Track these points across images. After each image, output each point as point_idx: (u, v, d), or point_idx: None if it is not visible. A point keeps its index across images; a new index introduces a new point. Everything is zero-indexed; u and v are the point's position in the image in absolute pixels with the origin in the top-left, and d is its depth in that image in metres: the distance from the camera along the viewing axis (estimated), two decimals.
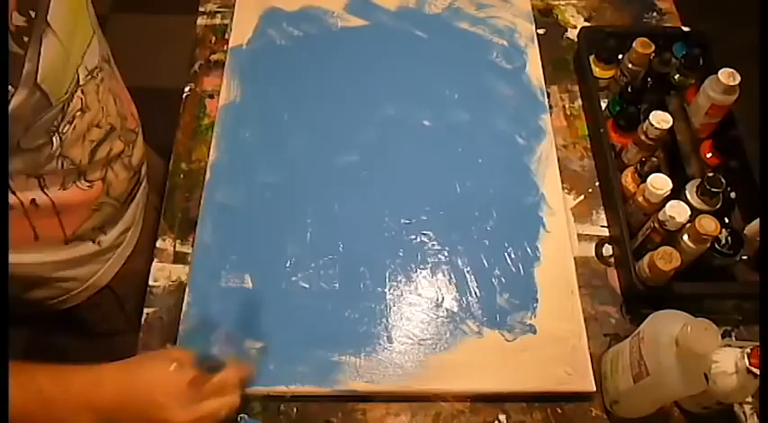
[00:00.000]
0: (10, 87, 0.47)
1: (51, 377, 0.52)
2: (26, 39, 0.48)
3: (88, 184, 0.63)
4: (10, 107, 0.47)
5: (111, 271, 0.73)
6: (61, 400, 0.51)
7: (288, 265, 0.72)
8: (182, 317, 0.68)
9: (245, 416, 0.65)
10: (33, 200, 0.57)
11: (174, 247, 0.76)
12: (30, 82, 0.49)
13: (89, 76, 0.59)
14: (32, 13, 0.48)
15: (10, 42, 0.46)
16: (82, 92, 0.58)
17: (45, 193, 0.58)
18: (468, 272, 0.73)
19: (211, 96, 0.87)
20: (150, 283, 0.73)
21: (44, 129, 0.54)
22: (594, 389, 0.66)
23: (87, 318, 0.75)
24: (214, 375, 0.56)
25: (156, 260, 0.75)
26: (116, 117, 0.66)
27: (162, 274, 0.74)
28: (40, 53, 0.49)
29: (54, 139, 0.56)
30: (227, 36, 0.91)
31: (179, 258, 0.75)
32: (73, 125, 0.58)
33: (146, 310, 0.71)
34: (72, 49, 0.55)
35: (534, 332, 0.69)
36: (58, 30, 0.51)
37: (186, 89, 0.88)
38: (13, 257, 0.58)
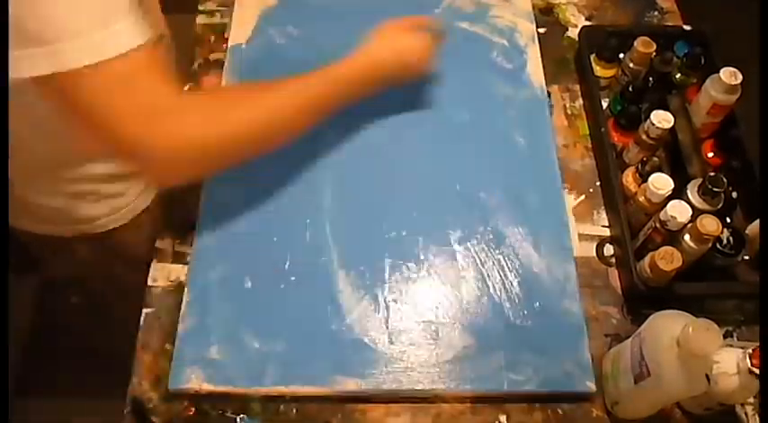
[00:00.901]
0: None
1: (342, 66, 0.70)
2: None
3: None
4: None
5: (150, 192, 0.78)
6: (358, 78, 0.71)
7: (287, 265, 0.72)
8: (180, 317, 0.68)
9: (245, 416, 0.65)
10: None
11: (173, 246, 0.75)
12: None
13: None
14: None
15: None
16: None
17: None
18: (468, 272, 0.72)
19: None
20: (149, 282, 0.73)
21: None
22: (595, 390, 0.66)
23: (129, 241, 0.80)
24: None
25: (155, 260, 0.74)
26: (163, 25, 0.75)
27: (161, 273, 0.73)
28: None
29: None
30: (226, 35, 0.91)
31: (178, 258, 0.74)
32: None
33: (145, 310, 0.71)
34: None
35: (535, 332, 0.69)
36: None
37: (186, 88, 0.88)
38: (79, 165, 0.67)
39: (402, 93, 0.85)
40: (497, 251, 0.74)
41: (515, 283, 0.72)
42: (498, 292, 0.71)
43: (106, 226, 0.76)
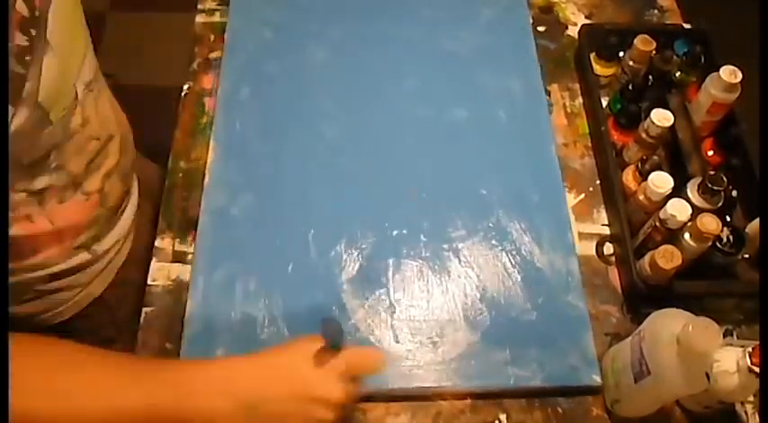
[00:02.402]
0: (11, 108, 0.46)
1: (183, 369, 0.49)
2: (28, 58, 0.46)
3: (85, 197, 0.62)
4: (11, 128, 0.46)
5: (104, 280, 0.72)
6: (201, 389, 0.47)
7: (290, 265, 0.72)
8: (185, 319, 0.68)
9: None
10: (30, 215, 0.56)
11: (173, 246, 0.75)
12: (31, 101, 0.48)
13: (86, 90, 0.58)
14: (33, 32, 0.47)
15: (12, 62, 0.45)
16: (80, 106, 0.57)
17: (43, 208, 0.57)
18: (471, 269, 0.72)
19: (210, 95, 0.86)
20: (149, 282, 0.73)
21: (44, 146, 0.53)
22: (601, 383, 0.66)
23: (78, 328, 0.72)
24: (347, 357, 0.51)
25: (154, 259, 0.74)
26: (115, 126, 0.66)
27: (161, 273, 0.73)
28: (41, 71, 0.48)
29: (53, 154, 0.55)
30: (225, 34, 0.91)
31: (178, 257, 0.74)
32: (72, 140, 0.57)
33: (144, 310, 0.71)
34: (70, 65, 0.55)
35: (540, 327, 0.69)
36: (57, 46, 0.50)
37: (185, 87, 0.88)
38: (11, 272, 0.57)
39: (402, 90, 0.86)
40: (500, 248, 0.74)
41: (519, 279, 0.72)
42: (502, 289, 0.71)
43: (50, 321, 0.69)
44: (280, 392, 0.49)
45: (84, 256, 0.66)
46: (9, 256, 0.55)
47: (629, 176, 0.77)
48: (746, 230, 0.71)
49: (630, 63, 0.84)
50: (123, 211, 0.72)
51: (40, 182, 0.56)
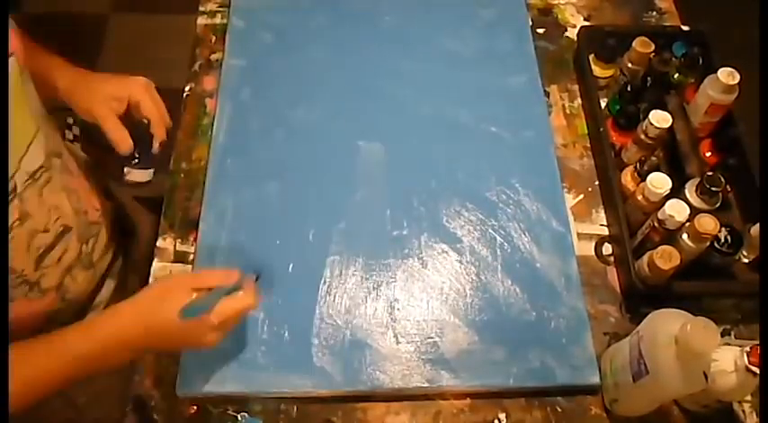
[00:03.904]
0: None
1: (79, 336, 0.54)
2: None
3: (40, 294, 0.60)
4: None
5: None
6: (99, 353, 0.53)
7: (290, 265, 0.72)
8: None
9: (246, 414, 0.66)
10: None
11: (175, 246, 0.76)
12: None
13: (29, 181, 0.55)
14: None
15: None
16: (19, 200, 0.54)
17: None
18: (471, 269, 0.73)
19: (212, 96, 0.87)
20: (150, 282, 0.73)
21: None
22: (599, 382, 0.67)
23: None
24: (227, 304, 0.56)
25: (156, 260, 0.75)
26: (71, 216, 0.62)
27: (162, 273, 0.74)
28: None
29: None
30: (226, 35, 0.91)
31: (179, 257, 0.75)
32: (11, 235, 0.54)
33: None
34: (10, 156, 0.51)
35: (539, 327, 0.69)
36: None
37: (187, 88, 0.88)
38: None
39: (402, 89, 0.86)
40: (499, 248, 0.74)
41: (518, 279, 0.72)
42: (501, 289, 0.72)
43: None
44: (166, 338, 0.56)
45: None
46: None
47: (627, 177, 0.77)
48: (750, 232, 0.72)
49: (629, 65, 0.85)
50: (93, 302, 0.69)
51: None
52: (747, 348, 0.57)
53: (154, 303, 0.55)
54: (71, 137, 0.77)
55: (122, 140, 0.63)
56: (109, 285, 0.74)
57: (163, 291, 0.56)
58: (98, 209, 0.70)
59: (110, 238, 0.73)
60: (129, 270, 0.79)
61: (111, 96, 0.64)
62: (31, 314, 0.59)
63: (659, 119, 0.75)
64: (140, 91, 0.65)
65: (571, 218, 0.79)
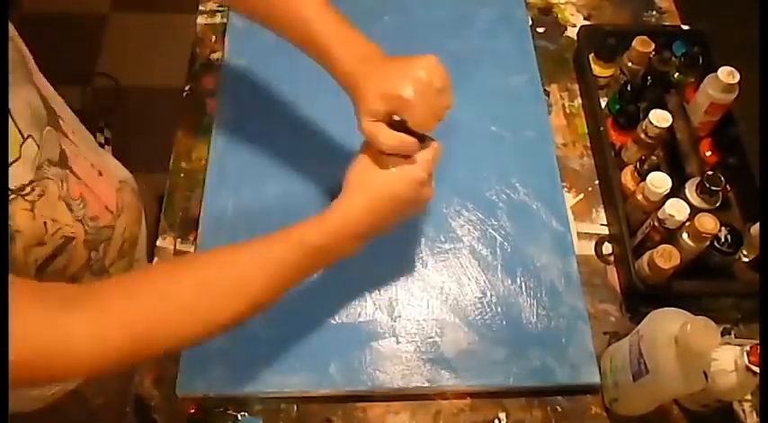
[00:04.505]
0: None
1: (314, 230, 0.55)
2: None
3: None
4: None
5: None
6: (332, 244, 0.56)
7: None
8: None
9: (246, 414, 0.66)
10: None
11: (175, 245, 0.76)
12: None
13: (14, 197, 0.51)
14: None
15: None
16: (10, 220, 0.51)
17: None
18: (471, 269, 0.73)
19: (211, 95, 0.87)
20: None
21: None
22: (599, 381, 0.67)
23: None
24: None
25: (156, 259, 0.75)
26: (73, 224, 0.59)
27: None
28: None
29: None
30: (226, 35, 0.91)
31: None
32: None
33: None
34: None
35: (539, 326, 0.69)
36: None
37: (186, 88, 0.88)
38: None
39: None
40: (499, 247, 0.74)
41: (518, 279, 0.72)
42: (501, 288, 0.72)
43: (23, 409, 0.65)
44: (387, 192, 0.58)
45: None
46: None
47: (627, 176, 0.77)
48: (750, 231, 0.72)
49: (629, 64, 0.85)
50: None
51: None
52: (747, 348, 0.57)
53: (365, 180, 0.58)
54: (102, 140, 0.74)
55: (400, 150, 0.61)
56: None
57: (359, 172, 0.59)
58: (112, 212, 0.67)
59: (127, 242, 0.71)
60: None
61: (394, 99, 0.60)
62: None
63: (659, 118, 0.75)
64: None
65: (571, 217, 0.79)
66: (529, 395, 0.68)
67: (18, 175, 0.52)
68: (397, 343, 0.68)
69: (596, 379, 0.67)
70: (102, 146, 0.66)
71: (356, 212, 0.57)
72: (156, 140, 0.85)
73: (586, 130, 0.86)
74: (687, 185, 0.73)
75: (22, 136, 0.52)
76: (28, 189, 0.53)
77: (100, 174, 0.67)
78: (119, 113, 1.60)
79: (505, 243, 0.75)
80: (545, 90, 0.88)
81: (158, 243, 0.76)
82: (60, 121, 0.60)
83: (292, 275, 0.56)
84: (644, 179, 0.72)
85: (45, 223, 0.56)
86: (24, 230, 0.54)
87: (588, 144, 0.86)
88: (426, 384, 0.66)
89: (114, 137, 1.62)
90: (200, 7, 0.96)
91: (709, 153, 0.81)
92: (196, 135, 0.84)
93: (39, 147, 0.54)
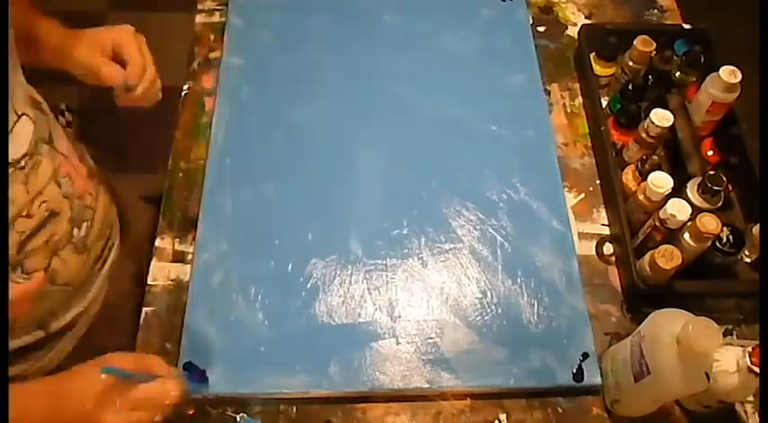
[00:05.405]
0: None
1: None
2: None
3: (25, 276, 0.59)
4: None
5: (61, 353, 0.69)
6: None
7: (290, 265, 0.72)
8: (185, 319, 0.68)
9: (245, 415, 0.65)
10: None
11: (173, 246, 0.75)
12: None
13: (12, 169, 0.55)
14: None
15: None
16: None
17: None
18: (471, 269, 0.73)
19: (210, 95, 0.86)
20: (149, 282, 0.73)
21: None
22: (600, 382, 0.66)
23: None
24: (142, 386, 0.54)
25: (155, 259, 0.74)
26: (60, 200, 0.62)
27: (161, 273, 0.73)
28: None
29: None
30: (225, 34, 0.91)
31: (178, 257, 0.74)
32: None
33: (144, 309, 0.71)
34: None
35: (540, 327, 0.69)
36: None
37: (185, 87, 0.88)
38: None
39: (402, 87, 0.86)
40: (500, 247, 0.74)
41: (519, 280, 0.72)
42: (502, 289, 0.71)
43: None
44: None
45: (33, 335, 0.64)
46: None
47: (628, 176, 0.77)
48: (752, 231, 0.71)
49: (630, 63, 0.84)
50: (88, 285, 0.69)
51: None
52: (749, 348, 0.57)
53: (68, 377, 0.54)
54: (63, 123, 0.77)
55: (114, 72, 0.64)
56: (104, 271, 0.73)
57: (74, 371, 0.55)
58: (92, 193, 0.69)
59: (105, 224, 0.72)
60: (126, 256, 0.78)
61: (98, 43, 0.65)
62: (17, 295, 0.56)
63: (660, 117, 0.75)
64: (125, 35, 0.66)
65: (572, 217, 0.78)
66: (529, 396, 0.67)
67: (15, 147, 0.55)
68: (397, 344, 0.68)
69: (597, 380, 0.66)
70: (63, 128, 0.70)
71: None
72: (155, 140, 0.84)
73: (587, 130, 0.86)
74: (689, 185, 0.73)
75: (17, 114, 0.55)
76: (23, 161, 0.56)
77: (80, 159, 0.69)
78: (117, 113, 1.60)
79: (506, 243, 0.74)
80: (546, 89, 0.88)
81: (157, 243, 0.75)
82: (42, 105, 0.63)
83: None
84: (645, 179, 0.72)
85: (34, 196, 0.58)
86: (15, 201, 0.56)
87: (589, 144, 0.85)
88: (426, 385, 0.66)
89: (114, 137, 1.62)
90: (199, 6, 0.96)
91: (710, 153, 0.81)
92: (195, 135, 0.84)
93: (34, 123, 0.58)
